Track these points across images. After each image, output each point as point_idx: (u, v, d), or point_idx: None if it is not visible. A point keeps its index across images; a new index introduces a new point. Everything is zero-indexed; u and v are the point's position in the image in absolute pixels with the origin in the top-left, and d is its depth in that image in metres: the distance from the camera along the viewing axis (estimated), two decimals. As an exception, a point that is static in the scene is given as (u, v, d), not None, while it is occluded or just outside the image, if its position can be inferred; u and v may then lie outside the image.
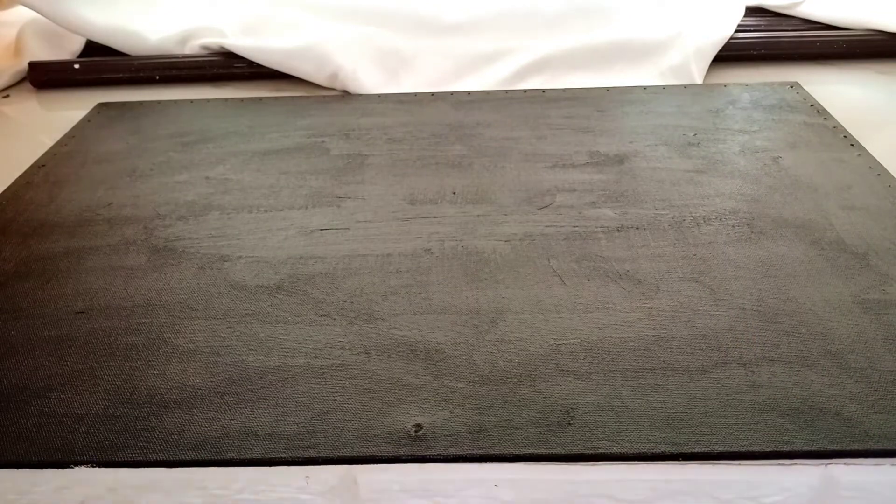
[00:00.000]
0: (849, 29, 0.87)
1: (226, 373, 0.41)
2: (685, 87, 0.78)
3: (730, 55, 0.84)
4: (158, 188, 0.61)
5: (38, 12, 0.88)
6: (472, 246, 0.52)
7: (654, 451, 0.35)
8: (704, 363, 0.40)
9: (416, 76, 0.83)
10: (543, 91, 0.78)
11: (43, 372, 0.41)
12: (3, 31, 0.93)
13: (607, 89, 0.78)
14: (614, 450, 0.35)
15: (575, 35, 0.85)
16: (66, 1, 0.86)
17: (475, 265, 0.50)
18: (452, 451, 0.36)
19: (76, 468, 0.36)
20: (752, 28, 0.89)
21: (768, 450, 0.35)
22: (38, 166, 0.65)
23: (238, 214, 0.57)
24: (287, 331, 0.44)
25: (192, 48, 0.87)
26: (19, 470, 0.36)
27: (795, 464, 0.35)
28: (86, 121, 0.75)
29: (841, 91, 0.79)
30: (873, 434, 0.36)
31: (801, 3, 0.92)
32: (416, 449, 0.36)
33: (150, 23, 0.89)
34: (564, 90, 0.78)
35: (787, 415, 0.37)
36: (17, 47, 0.89)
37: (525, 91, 0.79)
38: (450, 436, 0.36)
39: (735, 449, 0.35)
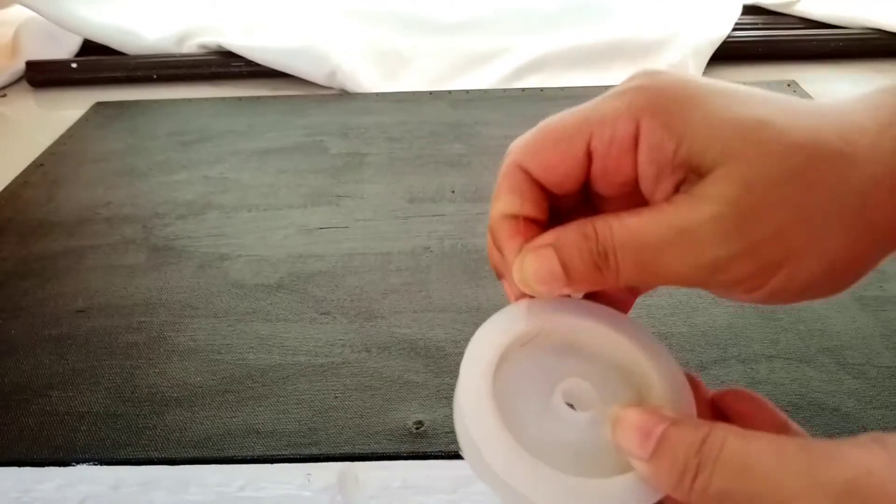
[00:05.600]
0: (846, 27, 0.87)
1: (227, 371, 0.41)
2: (683, 85, 0.79)
3: (727, 54, 0.84)
4: (157, 187, 0.61)
5: (35, 11, 0.88)
6: (471, 244, 0.52)
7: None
8: (703, 360, 0.41)
9: (414, 75, 0.83)
10: (542, 90, 0.78)
11: (44, 370, 0.41)
12: (0, 31, 0.93)
13: (605, 88, 0.78)
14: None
15: (573, 33, 0.85)
16: (64, 0, 0.86)
17: (475, 263, 0.50)
18: (454, 447, 0.36)
19: (78, 466, 0.36)
20: (749, 27, 0.89)
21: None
22: (36, 165, 0.65)
23: (237, 213, 0.57)
24: (288, 329, 0.44)
25: (189, 47, 0.87)
26: (21, 468, 0.36)
27: (794, 459, 0.35)
28: (84, 120, 0.75)
29: (838, 90, 0.79)
30: (871, 430, 0.36)
31: (798, 1, 0.93)
32: (417, 446, 0.36)
33: (147, 22, 0.89)
34: (563, 89, 0.78)
35: (786, 411, 0.36)
36: (14, 46, 0.89)
37: (523, 90, 0.79)
38: (451, 433, 0.36)
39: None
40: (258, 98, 0.80)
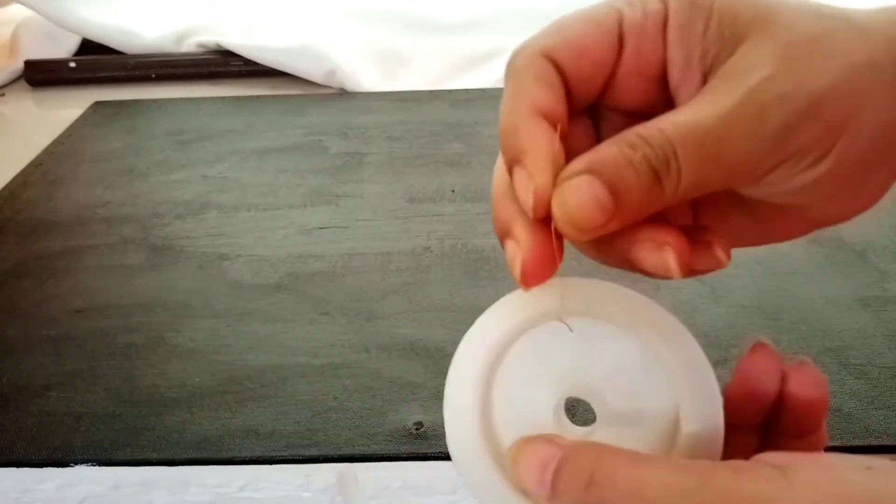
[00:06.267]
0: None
1: (226, 371, 0.41)
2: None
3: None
4: (156, 187, 0.61)
5: (34, 10, 0.88)
6: (471, 244, 0.52)
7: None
8: (705, 360, 0.41)
9: (414, 75, 0.83)
10: (541, 89, 0.78)
11: (42, 371, 0.41)
12: (-2, 30, 0.93)
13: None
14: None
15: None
16: (63, -1, 0.86)
17: (475, 263, 0.50)
18: (454, 448, 0.36)
19: (77, 467, 0.36)
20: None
21: (769, 446, 0.35)
22: (34, 165, 0.65)
23: (236, 213, 0.57)
24: (287, 329, 0.44)
25: (188, 46, 0.87)
26: (20, 469, 0.36)
27: (796, 460, 0.35)
28: (82, 119, 0.75)
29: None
30: (873, 430, 0.36)
31: (797, 1, 0.92)
32: (417, 447, 0.36)
33: (146, 21, 0.89)
34: (562, 88, 0.78)
35: (788, 411, 0.37)
36: (13, 46, 0.89)
37: (523, 89, 0.79)
38: (451, 433, 0.36)
39: (736, 446, 0.35)
40: (257, 97, 0.79)
